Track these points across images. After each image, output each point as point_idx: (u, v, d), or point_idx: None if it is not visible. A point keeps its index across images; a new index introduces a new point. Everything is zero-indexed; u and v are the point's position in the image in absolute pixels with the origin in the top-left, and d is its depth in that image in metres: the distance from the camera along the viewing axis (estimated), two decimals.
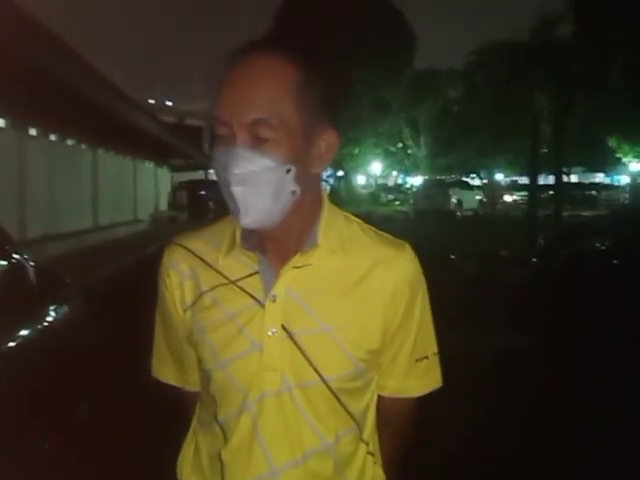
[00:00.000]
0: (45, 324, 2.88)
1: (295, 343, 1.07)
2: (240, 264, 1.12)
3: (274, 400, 1.07)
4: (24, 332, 2.58)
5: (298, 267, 1.09)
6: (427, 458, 2.85)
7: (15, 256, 2.90)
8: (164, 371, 1.27)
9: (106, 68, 12.18)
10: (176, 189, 27.46)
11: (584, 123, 24.67)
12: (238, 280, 1.11)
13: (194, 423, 1.23)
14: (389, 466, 1.22)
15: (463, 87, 33.21)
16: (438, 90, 34.65)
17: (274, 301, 1.08)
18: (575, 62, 23.08)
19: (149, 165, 24.99)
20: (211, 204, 23.20)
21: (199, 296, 1.13)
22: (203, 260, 1.15)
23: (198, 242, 1.17)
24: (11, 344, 2.41)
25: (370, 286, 1.10)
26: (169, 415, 1.43)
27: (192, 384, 1.24)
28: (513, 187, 40.30)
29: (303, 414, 1.07)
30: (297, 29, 26.66)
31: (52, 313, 3.02)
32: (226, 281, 1.12)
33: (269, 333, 1.07)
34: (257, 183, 1.02)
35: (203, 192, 25.61)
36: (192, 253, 1.16)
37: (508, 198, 37.20)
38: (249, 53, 1.04)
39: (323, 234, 1.10)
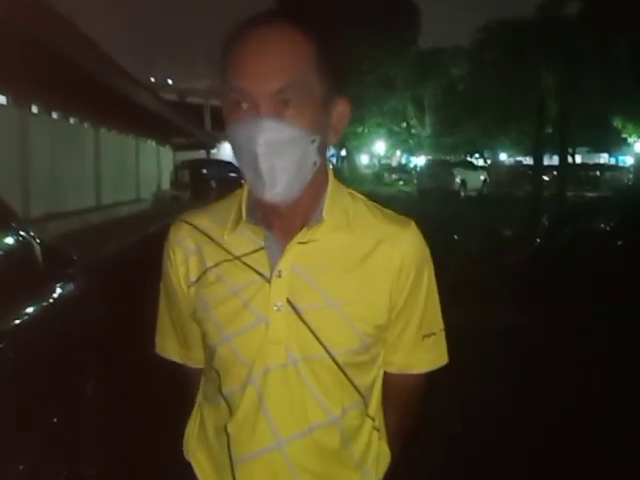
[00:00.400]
0: (51, 301, 2.88)
1: (301, 318, 1.07)
2: (246, 240, 1.12)
3: (279, 373, 1.08)
4: (31, 309, 2.59)
5: (303, 242, 1.09)
6: (429, 435, 2.86)
7: (22, 233, 2.90)
8: (168, 348, 1.28)
9: (107, 46, 12.08)
10: (178, 168, 27.34)
11: (589, 103, 24.46)
12: (243, 256, 1.11)
13: (199, 398, 1.24)
14: (393, 441, 1.23)
15: (468, 65, 32.87)
16: (443, 67, 34.31)
17: (280, 276, 1.08)
18: (581, 40, 22.82)
19: (151, 144, 24.91)
20: (213, 183, 23.16)
21: (204, 272, 1.13)
22: (209, 236, 1.15)
23: (204, 219, 1.17)
24: (18, 321, 2.42)
25: (375, 263, 1.10)
26: (173, 392, 1.44)
27: (195, 361, 1.25)
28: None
29: (309, 387, 1.08)
30: (299, 6, 26.40)
31: (58, 290, 3.02)
32: (231, 257, 1.11)
33: (275, 308, 1.07)
34: (284, 154, 1.00)
35: (205, 171, 25.56)
36: (198, 230, 1.16)
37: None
38: (261, 24, 1.02)
39: (328, 210, 1.10)
